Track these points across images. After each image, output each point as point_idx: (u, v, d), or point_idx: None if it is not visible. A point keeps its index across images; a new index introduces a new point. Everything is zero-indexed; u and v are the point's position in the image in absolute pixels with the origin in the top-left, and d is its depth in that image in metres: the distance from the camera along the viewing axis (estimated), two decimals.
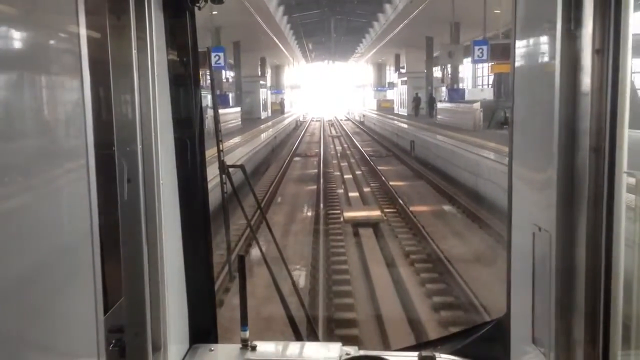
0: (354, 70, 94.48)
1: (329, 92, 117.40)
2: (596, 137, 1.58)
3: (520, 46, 1.98)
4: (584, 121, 1.61)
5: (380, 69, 76.72)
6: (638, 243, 1.63)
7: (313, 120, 67.50)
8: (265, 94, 51.22)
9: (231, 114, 31.57)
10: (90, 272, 1.59)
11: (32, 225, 1.38)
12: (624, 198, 1.58)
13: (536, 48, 1.92)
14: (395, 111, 54.40)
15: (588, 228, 1.62)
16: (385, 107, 63.30)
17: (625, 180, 1.56)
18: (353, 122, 61.67)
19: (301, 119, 67.82)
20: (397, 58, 59.38)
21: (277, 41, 48.82)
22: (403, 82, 49.00)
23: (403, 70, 53.78)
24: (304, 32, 59.04)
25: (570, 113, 1.65)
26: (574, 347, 1.72)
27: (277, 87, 73.18)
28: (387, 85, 74.02)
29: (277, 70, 74.81)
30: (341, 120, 67.90)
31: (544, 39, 1.84)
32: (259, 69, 57.43)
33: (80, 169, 1.55)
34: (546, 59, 1.82)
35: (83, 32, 1.55)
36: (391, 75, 75.50)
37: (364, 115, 61.64)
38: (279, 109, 61.14)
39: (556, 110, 1.66)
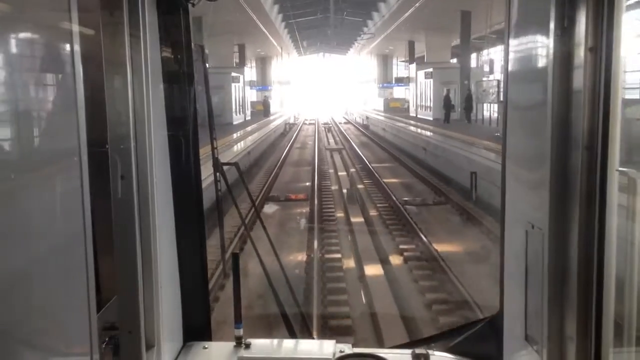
0: (354, 64, 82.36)
1: (324, 89, 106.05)
2: (589, 135, 1.58)
3: (514, 44, 1.98)
4: (577, 119, 1.61)
5: (385, 61, 64.70)
6: (630, 240, 1.64)
7: (306, 124, 55.37)
8: (240, 91, 38.86)
9: None
10: (83, 270, 1.59)
11: (25, 223, 1.38)
12: (616, 195, 1.58)
13: (530, 46, 1.91)
14: (412, 113, 42.41)
15: (580, 225, 1.62)
16: (394, 108, 51.47)
17: (617, 177, 1.58)
18: (354, 126, 49.68)
19: (292, 120, 56.11)
20: (411, 46, 47.42)
21: (260, 25, 37.36)
22: (427, 76, 36.76)
23: (423, 61, 41.75)
24: (295, 16, 47.45)
25: (563, 111, 1.65)
26: (566, 344, 1.71)
27: (262, 83, 61.53)
28: (394, 81, 62.26)
29: (263, 62, 62.89)
30: (340, 123, 55.83)
31: (537, 36, 1.83)
32: (235, 59, 45.40)
33: (73, 167, 1.55)
34: (540, 57, 1.80)
35: (76, 29, 1.54)
36: (400, 68, 63.78)
37: (367, 118, 49.88)
38: (266, 110, 48.98)
39: (549, 108, 1.66)
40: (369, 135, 37.90)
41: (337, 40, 68.45)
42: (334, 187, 17.51)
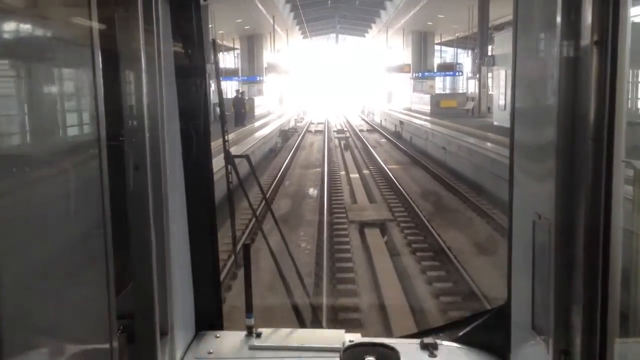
0: (374, 47, 64.05)
1: (336, 81, 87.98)
2: (595, 127, 1.60)
3: (521, 37, 2.00)
4: (583, 111, 1.64)
5: (425, 41, 46.37)
6: (635, 231, 1.64)
7: (311, 131, 37.35)
8: None
9: None
10: (103, 258, 1.64)
11: (47, 213, 1.45)
12: (622, 186, 1.61)
13: (537, 39, 1.96)
14: (497, 122, 24.27)
15: (586, 216, 1.64)
16: (447, 108, 33.41)
17: (623, 168, 1.61)
18: (386, 137, 31.67)
19: (292, 124, 38.50)
20: (482, 6, 29.23)
21: None
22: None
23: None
24: None
25: (569, 103, 1.69)
26: (572, 334, 1.73)
27: (250, 72, 43.91)
28: (435, 69, 44.25)
29: (251, 42, 44.92)
30: (361, 130, 37.77)
31: (544, 30, 1.86)
32: None
33: (93, 158, 1.61)
34: (547, 50, 1.83)
35: (96, 25, 1.60)
36: (443, 49, 45.88)
37: (401, 123, 31.98)
38: (240, 115, 31.13)
39: (556, 100, 1.70)
40: (424, 164, 20.11)
41: (355, 16, 50.59)
42: None
